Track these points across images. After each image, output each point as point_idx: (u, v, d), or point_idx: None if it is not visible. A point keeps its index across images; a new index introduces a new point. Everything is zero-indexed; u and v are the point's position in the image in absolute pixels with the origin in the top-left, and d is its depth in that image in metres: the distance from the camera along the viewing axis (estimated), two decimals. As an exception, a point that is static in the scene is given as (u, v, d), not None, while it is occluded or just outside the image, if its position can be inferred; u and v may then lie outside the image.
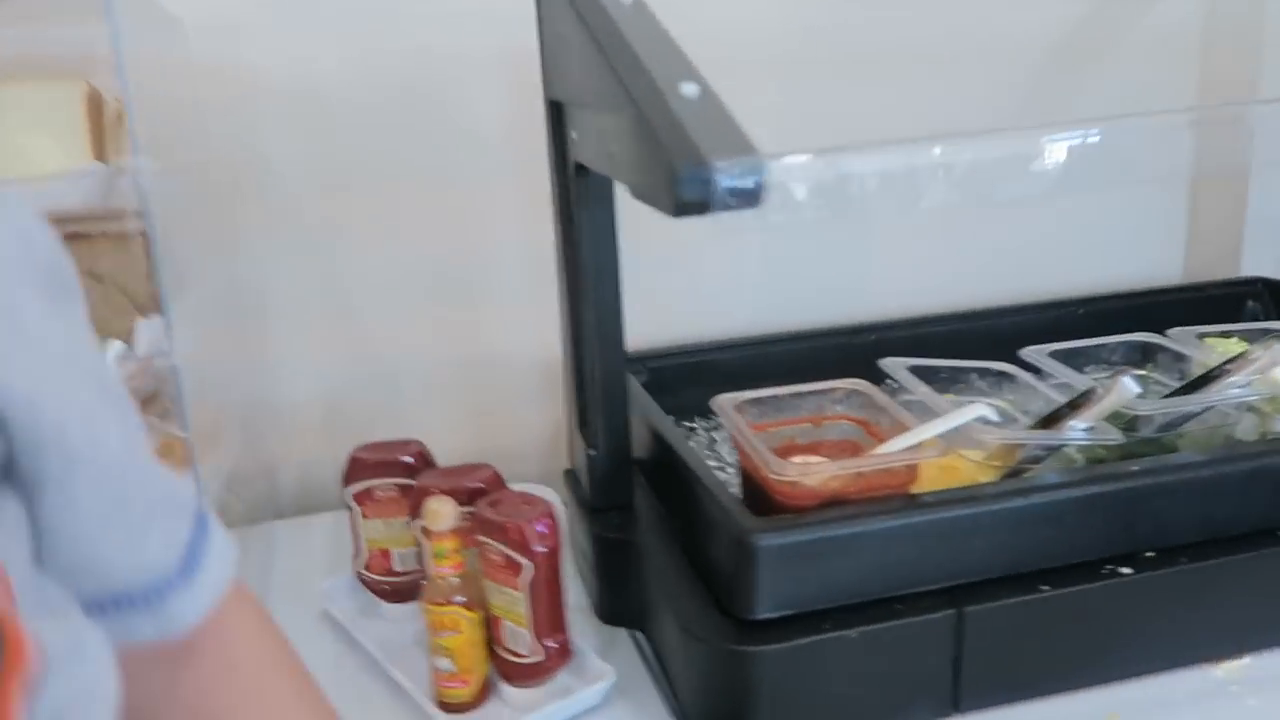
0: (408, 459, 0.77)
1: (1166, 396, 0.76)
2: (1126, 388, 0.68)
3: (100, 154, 0.68)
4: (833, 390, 0.77)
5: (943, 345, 0.88)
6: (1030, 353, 0.84)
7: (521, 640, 0.66)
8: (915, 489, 0.66)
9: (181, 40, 0.86)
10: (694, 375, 1.02)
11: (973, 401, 0.69)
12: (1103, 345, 0.87)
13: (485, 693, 0.68)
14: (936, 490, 0.66)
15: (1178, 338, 0.83)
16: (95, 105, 0.68)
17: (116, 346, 0.62)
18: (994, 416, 0.67)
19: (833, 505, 0.65)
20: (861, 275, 1.19)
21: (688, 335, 1.11)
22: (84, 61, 0.66)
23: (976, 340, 0.91)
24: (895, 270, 1.18)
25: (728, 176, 0.44)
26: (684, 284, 1.14)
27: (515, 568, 0.64)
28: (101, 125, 0.69)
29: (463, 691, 0.67)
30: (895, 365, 0.81)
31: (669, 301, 1.13)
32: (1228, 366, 0.73)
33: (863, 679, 0.63)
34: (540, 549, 0.64)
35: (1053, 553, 0.66)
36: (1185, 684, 0.67)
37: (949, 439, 0.67)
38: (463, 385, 1.10)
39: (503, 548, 0.64)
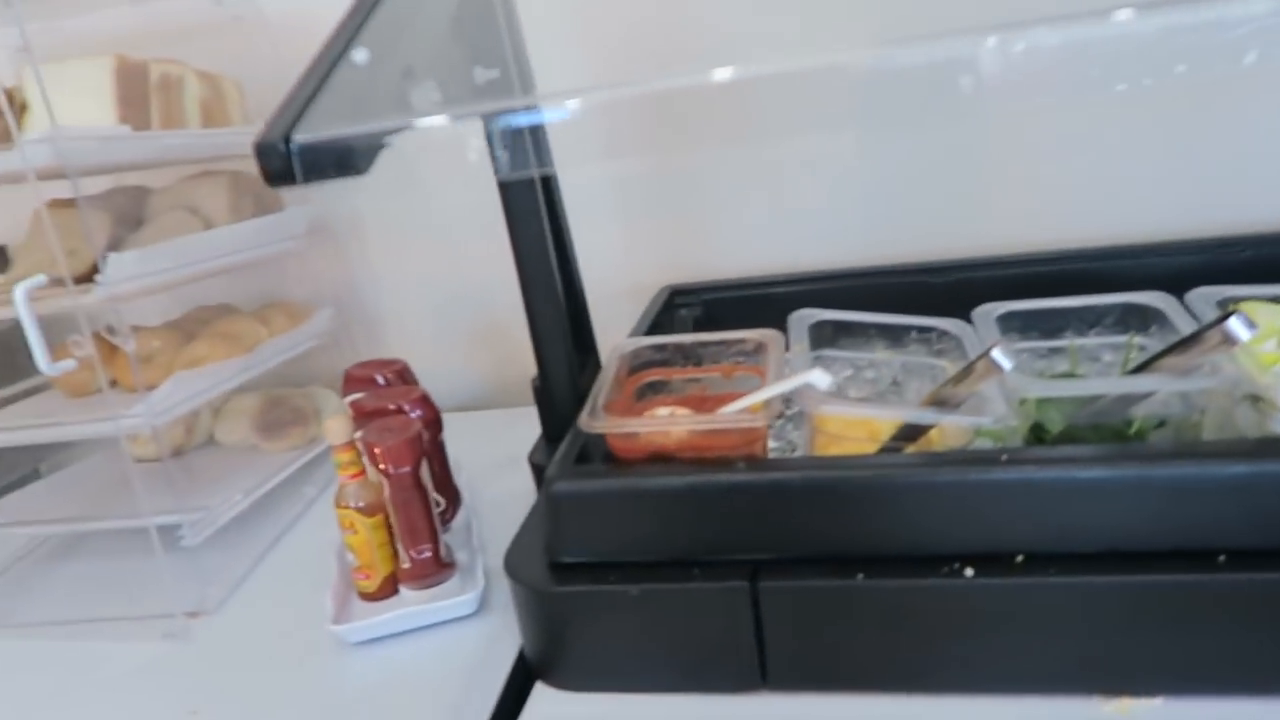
0: (381, 378, 0.87)
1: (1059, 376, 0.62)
2: (998, 361, 0.57)
3: (133, 117, 0.83)
4: (743, 341, 0.73)
5: (1075, 285, 0.78)
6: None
7: (400, 547, 0.74)
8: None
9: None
10: (753, 310, 0.99)
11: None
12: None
13: (390, 587, 0.77)
14: (753, 457, 0.62)
15: (1197, 301, 0.66)
16: (128, 75, 0.84)
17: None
18: (823, 383, 0.60)
19: (657, 460, 0.64)
20: (969, 206, 1.06)
21: (777, 267, 1.08)
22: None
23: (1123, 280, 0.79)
24: (1010, 198, 1.04)
25: (310, 149, 0.46)
26: (771, 214, 1.10)
27: (379, 485, 0.72)
28: (144, 91, 0.84)
29: (366, 584, 0.77)
30: (987, 314, 0.73)
31: (754, 231, 1.10)
32: (1182, 347, 0.57)
33: (650, 638, 0.62)
34: (394, 470, 0.70)
35: (881, 540, 0.59)
36: (1028, 714, 0.57)
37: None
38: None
39: (371, 466, 0.72)
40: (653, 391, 0.74)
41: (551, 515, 0.64)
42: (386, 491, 0.72)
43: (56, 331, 0.78)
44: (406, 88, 0.57)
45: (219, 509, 0.85)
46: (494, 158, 0.76)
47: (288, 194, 1.10)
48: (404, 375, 0.88)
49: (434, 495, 0.78)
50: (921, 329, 0.72)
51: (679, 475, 0.61)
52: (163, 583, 0.82)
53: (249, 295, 1.15)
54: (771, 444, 0.73)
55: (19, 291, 0.68)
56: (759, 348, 0.72)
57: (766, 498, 0.60)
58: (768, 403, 0.62)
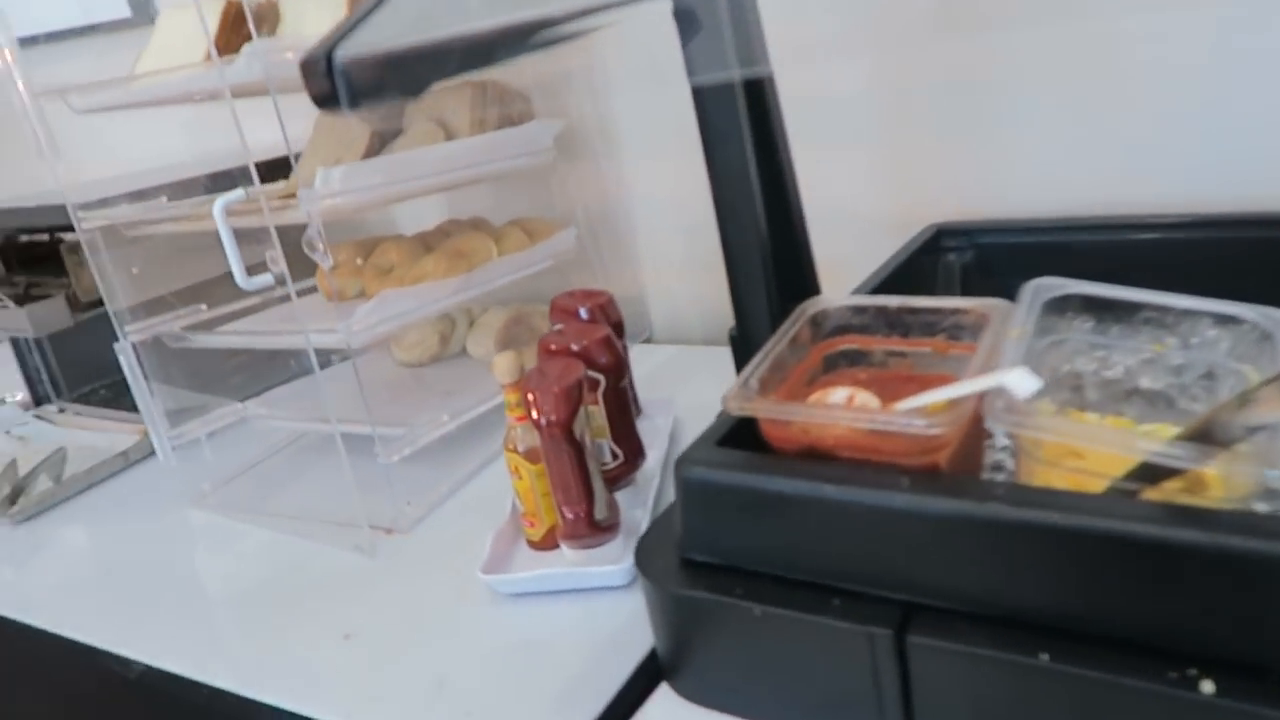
0: (585, 311, 0.81)
1: None
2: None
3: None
4: (962, 311, 0.57)
5: None
6: None
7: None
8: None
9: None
10: (1039, 261, 0.81)
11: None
12: None
13: (554, 539, 0.72)
14: (930, 470, 0.47)
15: None
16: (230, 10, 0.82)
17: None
18: (1024, 388, 0.44)
19: (813, 457, 0.52)
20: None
21: (1079, 207, 0.87)
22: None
23: None
24: None
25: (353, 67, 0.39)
26: (1080, 136, 0.88)
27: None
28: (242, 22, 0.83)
29: (532, 532, 0.73)
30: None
31: (1054, 159, 0.89)
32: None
33: (775, 667, 0.51)
34: (545, 420, 0.64)
35: (1083, 612, 0.43)
36: None
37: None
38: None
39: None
40: (846, 362, 0.61)
41: (682, 504, 0.55)
42: (539, 441, 0.66)
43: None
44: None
45: (421, 429, 0.85)
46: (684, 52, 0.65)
47: (539, 105, 1.06)
48: (606, 310, 0.82)
49: (609, 447, 0.72)
50: (1222, 317, 0.51)
51: (824, 481, 0.49)
52: (375, 493, 0.84)
53: (508, 209, 1.14)
54: (993, 455, 0.58)
55: (217, 206, 0.70)
56: (981, 321, 0.56)
57: (929, 529, 0.46)
58: (952, 404, 0.47)
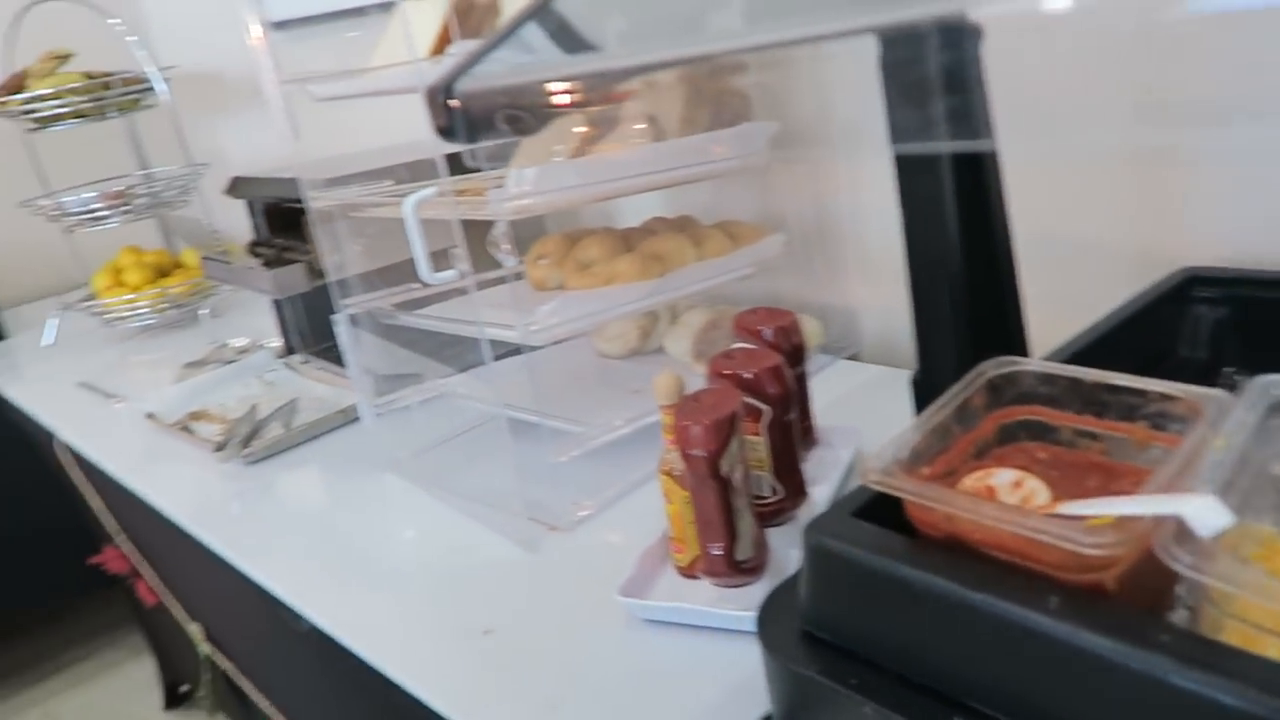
0: (769, 331, 0.77)
1: None
2: None
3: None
4: (1170, 398, 0.48)
5: None
6: None
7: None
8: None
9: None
10: None
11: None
12: None
13: (697, 565, 0.70)
14: (1092, 592, 0.40)
15: None
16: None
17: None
18: (1207, 523, 0.36)
19: (959, 549, 0.46)
20: None
21: None
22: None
23: None
24: None
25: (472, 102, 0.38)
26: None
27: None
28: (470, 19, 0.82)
29: (680, 558, 0.70)
30: None
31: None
32: None
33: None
34: (689, 452, 0.61)
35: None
36: None
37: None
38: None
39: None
40: (1026, 435, 0.54)
41: (808, 574, 0.50)
42: (684, 472, 0.64)
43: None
44: None
45: (595, 430, 0.85)
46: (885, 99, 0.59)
47: (759, 103, 1.02)
48: (788, 333, 0.77)
49: (768, 481, 0.68)
50: None
51: (959, 582, 0.43)
52: (546, 484, 0.86)
53: (721, 207, 1.11)
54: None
55: (408, 203, 0.72)
56: (1192, 413, 0.47)
57: (1074, 661, 0.39)
58: (1121, 523, 0.40)
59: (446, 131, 0.39)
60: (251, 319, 1.65)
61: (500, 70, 0.39)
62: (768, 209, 1.10)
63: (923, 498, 0.45)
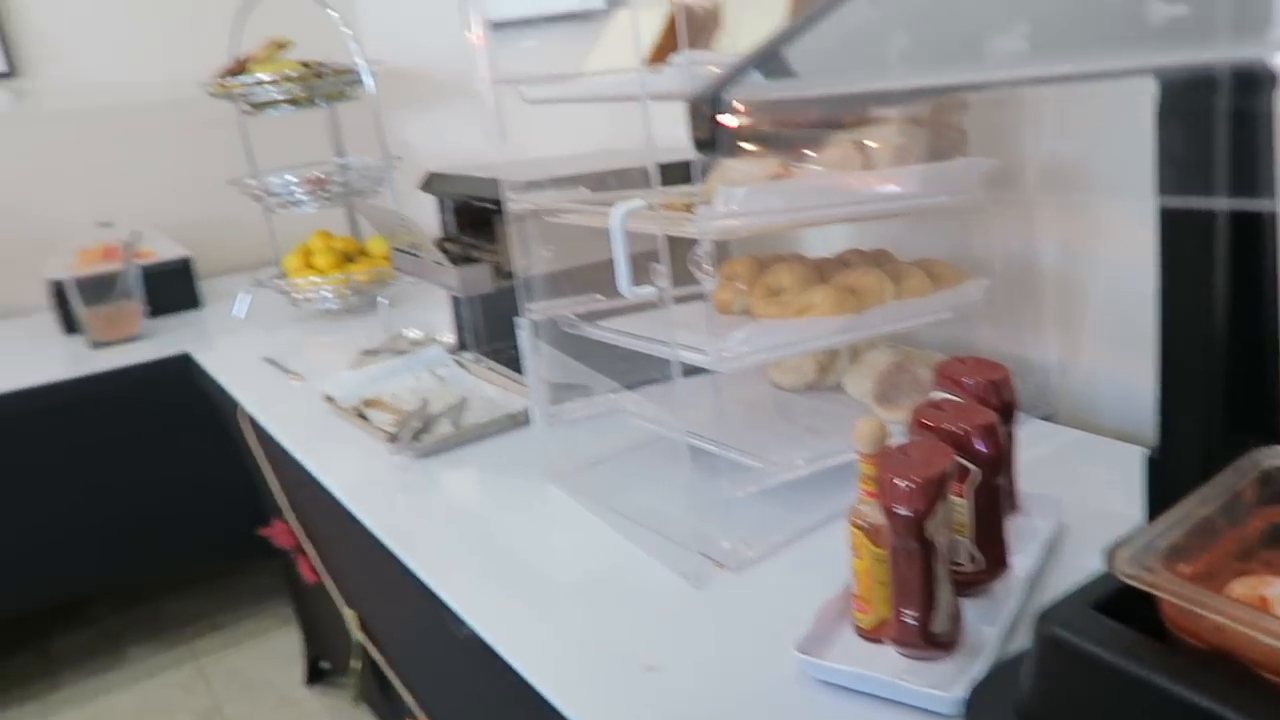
0: (972, 382, 0.71)
1: None
2: None
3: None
4: None
5: None
6: None
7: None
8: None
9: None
10: None
11: None
12: None
13: (884, 630, 0.65)
14: None
15: None
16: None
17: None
18: None
19: (1222, 663, 0.40)
20: None
21: None
22: None
23: None
24: None
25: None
26: None
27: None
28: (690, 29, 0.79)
29: (862, 618, 0.66)
30: None
31: None
32: None
33: None
34: (894, 509, 0.57)
35: None
36: None
37: None
38: None
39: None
40: (1301, 542, 0.47)
41: (1037, 667, 0.45)
42: (882, 528, 0.59)
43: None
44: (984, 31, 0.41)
45: (775, 468, 0.81)
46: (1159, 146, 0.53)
47: (976, 138, 0.96)
48: (1000, 389, 0.71)
49: (968, 548, 0.63)
50: None
51: (1231, 705, 0.37)
52: (715, 517, 0.82)
53: (919, 244, 1.05)
54: None
55: (616, 214, 0.70)
56: None
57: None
58: None
59: (706, 144, 0.37)
60: (424, 312, 1.68)
61: (759, 84, 0.36)
62: (967, 250, 1.03)
63: (1193, 603, 0.40)
